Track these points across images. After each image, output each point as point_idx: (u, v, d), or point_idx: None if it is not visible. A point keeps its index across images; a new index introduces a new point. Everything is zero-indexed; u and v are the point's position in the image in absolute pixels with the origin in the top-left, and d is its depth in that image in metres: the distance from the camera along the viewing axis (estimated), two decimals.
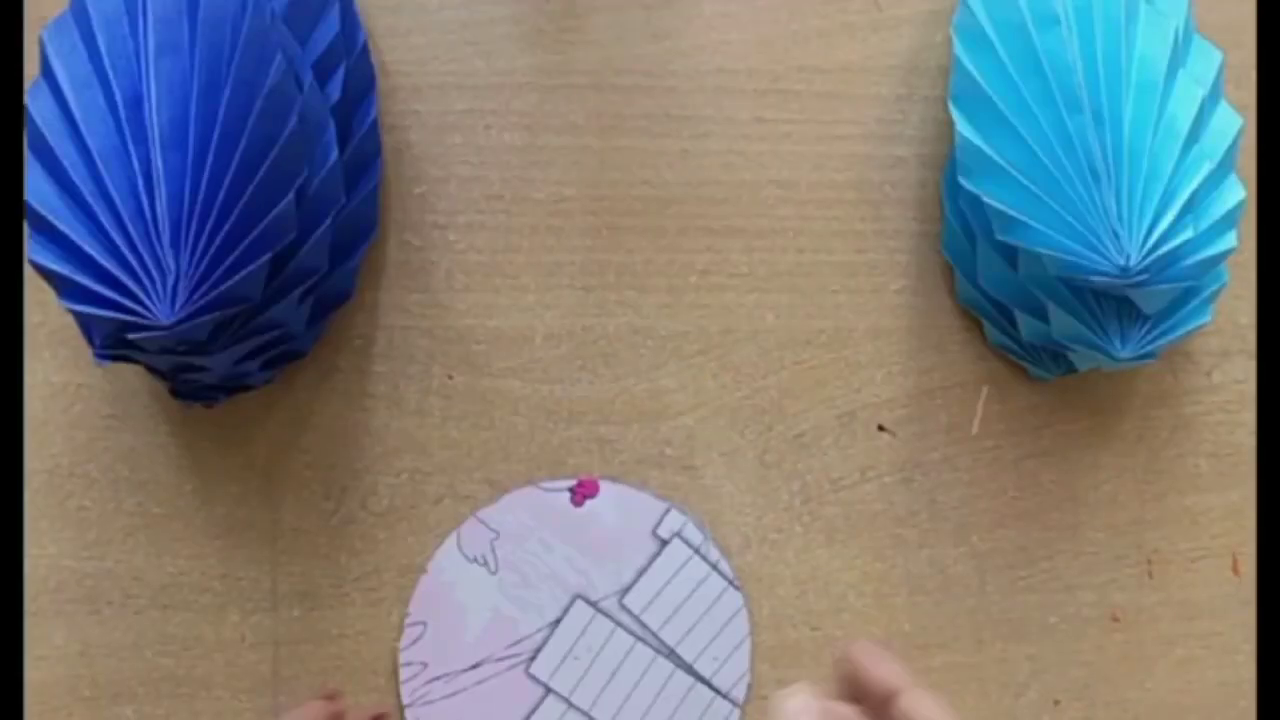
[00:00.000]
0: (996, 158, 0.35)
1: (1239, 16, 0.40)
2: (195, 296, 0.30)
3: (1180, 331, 0.36)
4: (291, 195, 0.32)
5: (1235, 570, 0.40)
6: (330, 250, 0.36)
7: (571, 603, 0.38)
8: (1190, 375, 0.40)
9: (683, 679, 0.38)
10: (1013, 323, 0.38)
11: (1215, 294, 0.36)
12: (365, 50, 0.38)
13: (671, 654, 0.38)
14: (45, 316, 0.38)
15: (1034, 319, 0.37)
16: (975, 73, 0.36)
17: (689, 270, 0.39)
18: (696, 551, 0.38)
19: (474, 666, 0.37)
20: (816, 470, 0.39)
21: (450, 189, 0.39)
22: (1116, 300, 0.35)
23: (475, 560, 0.38)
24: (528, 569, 0.38)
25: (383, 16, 0.39)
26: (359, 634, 0.38)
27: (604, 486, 0.38)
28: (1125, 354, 0.35)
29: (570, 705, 0.37)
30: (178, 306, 0.30)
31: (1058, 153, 0.34)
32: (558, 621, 0.38)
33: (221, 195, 0.31)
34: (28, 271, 0.38)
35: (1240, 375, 0.40)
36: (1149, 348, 0.35)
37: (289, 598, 0.38)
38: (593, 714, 0.38)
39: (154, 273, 0.30)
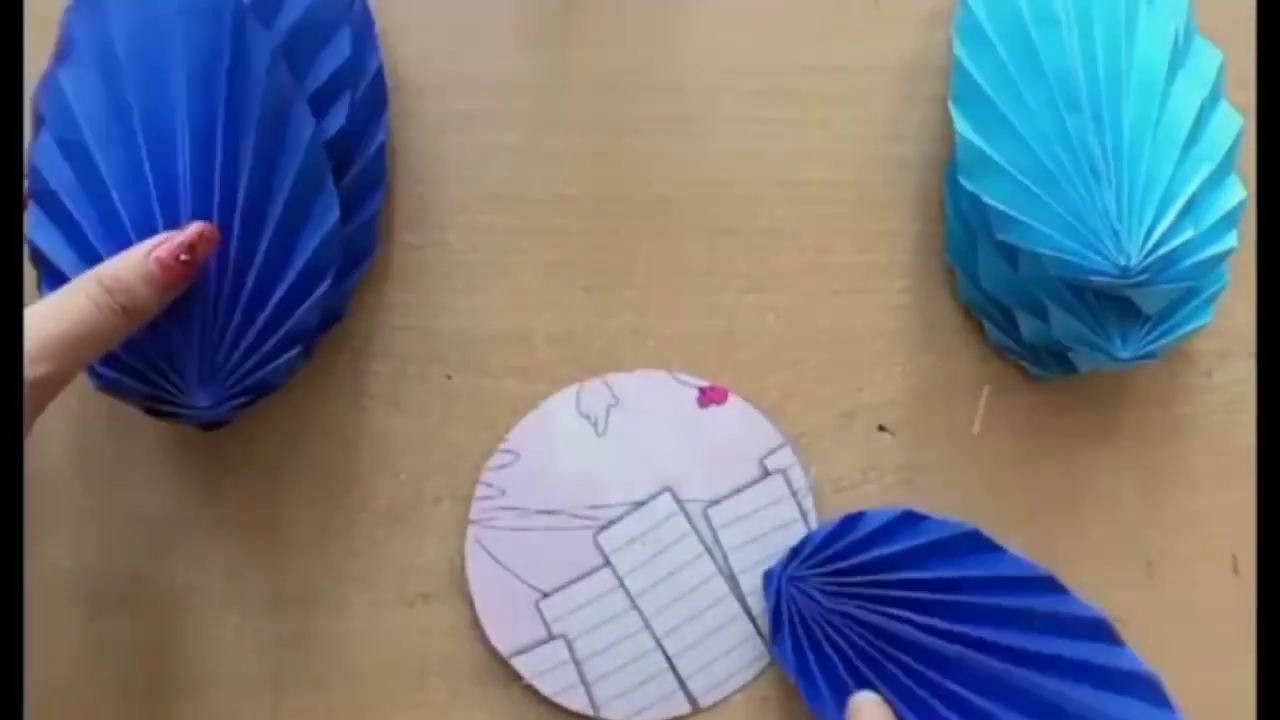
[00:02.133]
0: (996, 158, 0.35)
1: (1239, 16, 0.40)
2: (232, 387, 0.33)
3: (1180, 331, 0.36)
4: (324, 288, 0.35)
5: (1235, 570, 0.40)
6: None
7: (660, 493, 0.38)
8: (1190, 375, 0.40)
9: (731, 605, 0.38)
10: (1013, 323, 0.38)
11: (1215, 294, 0.36)
12: (379, 74, 0.38)
13: (731, 578, 0.38)
14: None
15: (1034, 319, 0.37)
16: (975, 73, 0.36)
17: (689, 270, 0.39)
18: (794, 495, 0.39)
19: (549, 512, 0.38)
20: (816, 470, 0.39)
21: (450, 189, 0.39)
22: (1116, 300, 0.35)
23: (587, 417, 0.38)
24: (632, 445, 0.38)
25: (383, 16, 0.39)
26: (359, 634, 0.38)
27: (732, 399, 0.39)
28: (1125, 354, 0.35)
29: (621, 584, 0.38)
30: (216, 397, 0.33)
31: (1058, 153, 0.34)
32: (641, 504, 0.38)
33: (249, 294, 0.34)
34: (28, 272, 0.38)
35: (1240, 375, 0.40)
36: (1149, 348, 0.35)
37: (289, 598, 0.38)
38: (638, 601, 0.38)
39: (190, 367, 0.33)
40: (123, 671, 0.38)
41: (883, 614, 0.36)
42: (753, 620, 0.38)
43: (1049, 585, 0.37)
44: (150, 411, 0.34)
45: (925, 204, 0.40)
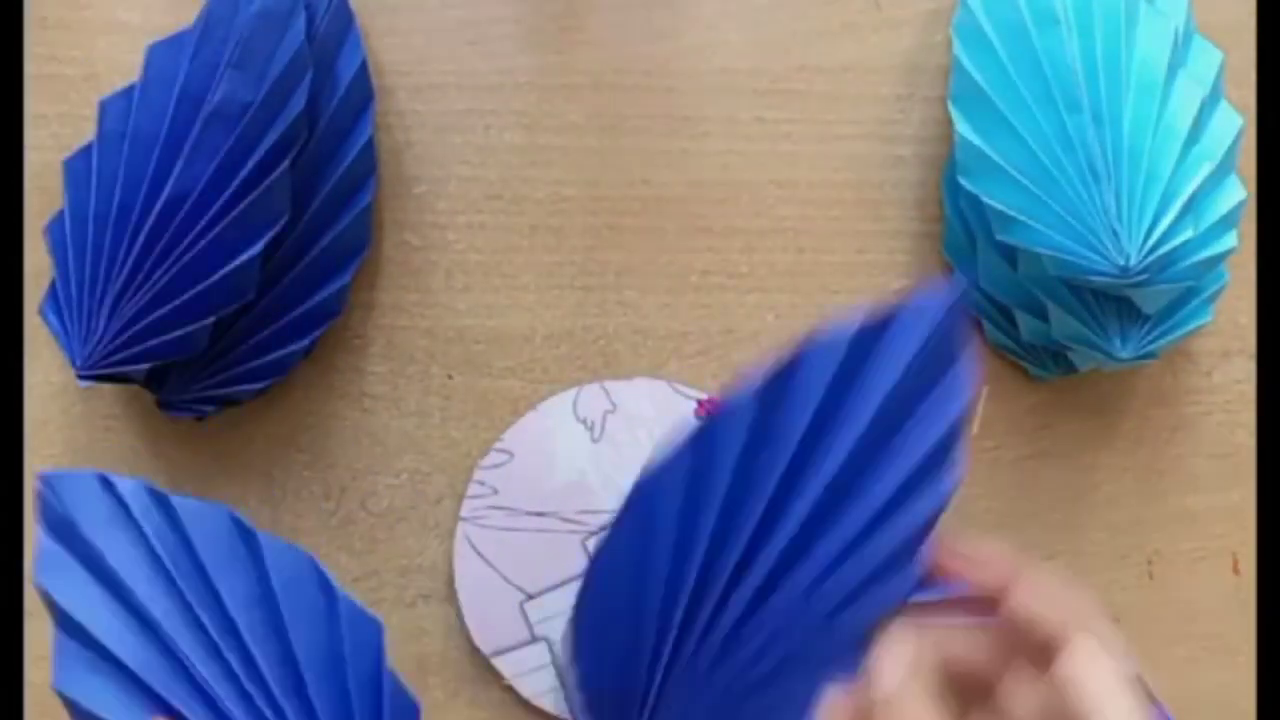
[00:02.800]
0: (996, 158, 0.35)
1: (1239, 16, 0.40)
2: (106, 355, 0.33)
3: (1180, 331, 0.36)
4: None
5: (1235, 570, 0.40)
6: (321, 269, 0.37)
7: None
8: (1190, 375, 0.40)
9: None
10: (1013, 323, 0.38)
11: (1215, 294, 0.36)
12: (363, 70, 0.38)
13: None
14: None
15: (1034, 319, 0.37)
16: (975, 73, 0.36)
17: (689, 270, 0.39)
18: None
19: (539, 514, 0.38)
20: None
21: (450, 189, 0.39)
22: (1116, 300, 0.35)
23: (583, 421, 0.38)
24: (627, 452, 0.38)
25: (383, 16, 0.39)
26: None
27: None
28: (1125, 354, 0.35)
29: None
30: (89, 360, 0.33)
31: (1057, 153, 0.34)
32: None
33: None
34: (28, 271, 0.38)
35: (1240, 375, 0.40)
36: (1149, 348, 0.35)
37: None
38: None
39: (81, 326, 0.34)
40: None
41: None
42: None
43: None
44: (95, 373, 0.34)
45: (924, 204, 0.40)
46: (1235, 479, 0.40)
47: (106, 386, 0.38)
